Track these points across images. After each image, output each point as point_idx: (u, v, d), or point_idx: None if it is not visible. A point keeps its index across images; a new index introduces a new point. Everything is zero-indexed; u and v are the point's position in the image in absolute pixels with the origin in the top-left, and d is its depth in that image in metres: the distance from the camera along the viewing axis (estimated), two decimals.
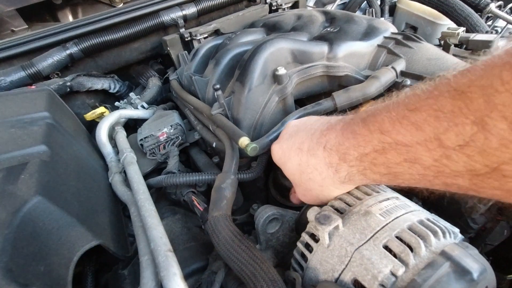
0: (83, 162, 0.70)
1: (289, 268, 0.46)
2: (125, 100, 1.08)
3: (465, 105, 0.26)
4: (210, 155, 0.85)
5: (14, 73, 0.93)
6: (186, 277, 0.47)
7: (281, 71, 0.62)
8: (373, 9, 1.51)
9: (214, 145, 0.71)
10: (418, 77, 0.61)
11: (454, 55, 0.70)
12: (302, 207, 0.51)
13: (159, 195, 0.81)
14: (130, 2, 1.35)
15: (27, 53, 0.97)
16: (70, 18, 1.51)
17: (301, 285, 0.40)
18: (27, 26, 1.38)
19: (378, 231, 0.37)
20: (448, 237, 0.36)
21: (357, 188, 0.45)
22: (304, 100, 0.74)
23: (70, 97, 1.05)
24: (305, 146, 0.45)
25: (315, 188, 0.45)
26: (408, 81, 0.61)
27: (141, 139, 0.83)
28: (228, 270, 0.50)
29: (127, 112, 0.97)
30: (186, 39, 1.04)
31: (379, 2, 1.60)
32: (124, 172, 0.75)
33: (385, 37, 0.72)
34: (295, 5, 1.22)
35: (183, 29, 1.09)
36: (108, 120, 0.89)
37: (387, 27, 0.74)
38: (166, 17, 1.08)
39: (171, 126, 0.83)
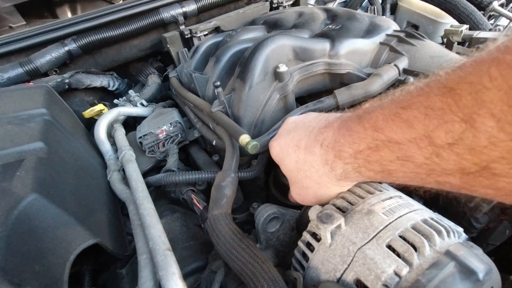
0: (81, 159, 0.69)
1: (290, 267, 0.45)
2: (124, 97, 1.08)
3: (454, 102, 0.25)
4: (210, 153, 0.84)
5: (11, 70, 0.92)
6: (185, 276, 0.47)
7: (283, 68, 0.61)
8: (375, 7, 1.50)
9: (214, 143, 0.70)
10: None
11: (457, 53, 0.69)
12: (303, 206, 0.50)
13: (158, 193, 0.80)
14: None
15: (25, 50, 0.96)
16: (69, 15, 1.50)
17: (302, 285, 0.39)
18: (25, 23, 1.38)
19: (381, 230, 0.36)
20: (453, 237, 0.35)
21: (359, 186, 0.44)
22: (305, 98, 0.74)
23: (69, 94, 1.04)
24: (303, 143, 0.44)
25: (312, 185, 0.44)
26: (411, 79, 0.61)
27: (140, 137, 0.82)
28: (227, 269, 0.49)
29: (126, 110, 0.96)
30: (186, 37, 1.03)
31: (380, 0, 1.60)
32: (123, 170, 0.74)
33: (387, 35, 0.71)
34: (296, 3, 1.21)
35: (183, 26, 1.08)
36: (107, 117, 0.88)
37: (389, 25, 0.74)
38: (166, 14, 1.07)
39: (170, 123, 0.83)
